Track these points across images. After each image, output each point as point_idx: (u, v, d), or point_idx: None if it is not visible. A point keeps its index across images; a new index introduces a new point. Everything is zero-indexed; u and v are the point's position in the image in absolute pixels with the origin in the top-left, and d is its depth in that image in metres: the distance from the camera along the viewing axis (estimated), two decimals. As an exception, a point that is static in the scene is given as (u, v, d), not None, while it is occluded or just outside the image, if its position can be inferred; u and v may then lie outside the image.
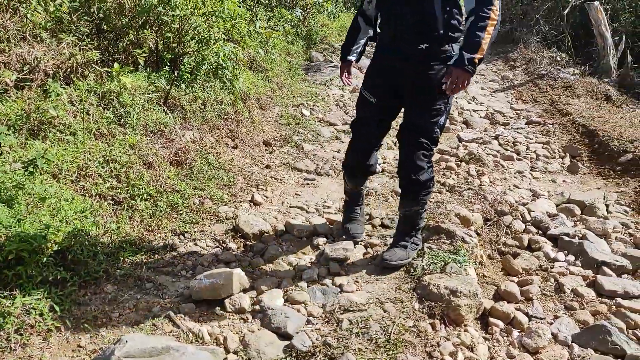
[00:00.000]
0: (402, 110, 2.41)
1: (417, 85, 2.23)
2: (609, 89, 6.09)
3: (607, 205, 3.13)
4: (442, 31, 2.14)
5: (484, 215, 2.95)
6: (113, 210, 2.70)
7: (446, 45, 2.18)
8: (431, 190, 2.39)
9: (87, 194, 2.62)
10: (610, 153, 3.98)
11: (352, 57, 2.54)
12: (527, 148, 4.47)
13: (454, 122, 5.28)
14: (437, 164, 3.97)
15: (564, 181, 3.72)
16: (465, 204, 3.01)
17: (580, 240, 2.62)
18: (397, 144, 2.51)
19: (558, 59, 7.69)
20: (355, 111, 2.55)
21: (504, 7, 11.08)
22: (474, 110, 5.78)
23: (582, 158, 4.18)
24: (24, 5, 3.55)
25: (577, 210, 3.10)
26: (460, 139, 4.71)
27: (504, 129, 5.19)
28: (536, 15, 9.21)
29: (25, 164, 2.38)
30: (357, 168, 2.54)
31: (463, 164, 3.96)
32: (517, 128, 5.21)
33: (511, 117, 5.64)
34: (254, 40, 6.03)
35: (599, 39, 6.74)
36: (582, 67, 7.24)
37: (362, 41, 2.53)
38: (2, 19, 3.45)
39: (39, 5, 3.47)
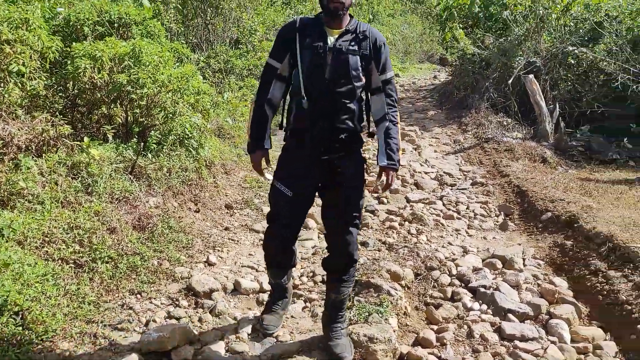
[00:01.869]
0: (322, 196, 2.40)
1: (340, 173, 2.30)
2: (545, 152, 6.71)
3: (523, 259, 3.52)
4: (357, 122, 2.33)
5: (415, 271, 3.29)
6: (74, 273, 2.94)
7: (359, 135, 2.36)
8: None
9: (50, 259, 2.87)
10: (535, 212, 4.43)
11: (268, 145, 2.45)
12: (467, 207, 4.91)
13: (405, 184, 5.73)
14: (383, 223, 4.34)
15: (493, 238, 4.13)
16: (399, 261, 3.35)
17: (493, 291, 2.98)
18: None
19: (504, 123, 8.38)
20: (269, 205, 2.47)
21: (458, 75, 12.04)
22: (425, 172, 6.26)
23: (514, 216, 4.62)
24: (1, 85, 3.93)
25: (499, 264, 3.48)
26: (408, 200, 5.13)
27: (450, 189, 5.65)
28: (486, 84, 10.04)
29: (-6, 233, 2.64)
30: (277, 261, 2.51)
31: (406, 223, 4.35)
32: (463, 188, 5.68)
33: (459, 178, 6.13)
34: (222, 109, 6.51)
35: (535, 107, 7.48)
36: (525, 131, 7.92)
37: (270, 128, 2.49)
38: (-18, 99, 3.81)
39: (15, 86, 3.85)
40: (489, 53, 10.06)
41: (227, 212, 4.62)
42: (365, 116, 2.40)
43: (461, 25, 11.42)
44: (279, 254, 2.46)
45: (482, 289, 3.03)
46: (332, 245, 2.40)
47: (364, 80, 2.26)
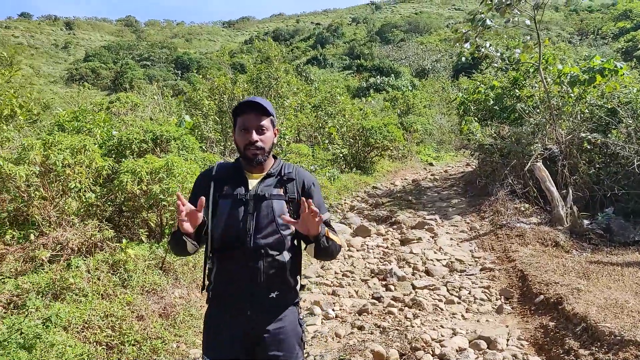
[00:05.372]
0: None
1: (273, 335, 2.00)
2: (559, 236, 6.89)
3: (507, 340, 3.76)
4: (290, 278, 2.05)
5: (401, 351, 3.62)
6: (106, 353, 3.52)
7: (293, 291, 2.09)
8: None
9: (87, 341, 3.48)
10: (531, 295, 4.66)
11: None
12: (469, 292, 5.17)
13: (415, 271, 6.08)
14: (384, 309, 4.69)
15: (487, 321, 4.37)
16: (386, 342, 3.70)
17: (469, 369, 3.26)
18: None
19: (522, 209, 8.65)
20: None
21: (480, 164, 12.50)
22: (437, 260, 6.59)
23: (512, 300, 4.84)
24: (63, 199, 4.86)
25: (484, 345, 3.73)
26: (413, 287, 5.46)
27: (459, 275, 5.93)
28: (505, 171, 10.45)
29: (44, 320, 3.31)
30: None
31: (406, 308, 4.68)
32: (471, 274, 5.95)
33: (469, 265, 6.39)
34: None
35: (547, 193, 7.78)
36: (543, 216, 8.13)
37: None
38: (48, 210, 4.73)
39: (74, 200, 4.76)
40: (504, 143, 10.58)
41: (245, 302, 5.13)
42: (300, 267, 2.11)
43: (477, 118, 12.10)
44: None
45: (459, 367, 3.32)
46: None
47: (293, 227, 1.99)
